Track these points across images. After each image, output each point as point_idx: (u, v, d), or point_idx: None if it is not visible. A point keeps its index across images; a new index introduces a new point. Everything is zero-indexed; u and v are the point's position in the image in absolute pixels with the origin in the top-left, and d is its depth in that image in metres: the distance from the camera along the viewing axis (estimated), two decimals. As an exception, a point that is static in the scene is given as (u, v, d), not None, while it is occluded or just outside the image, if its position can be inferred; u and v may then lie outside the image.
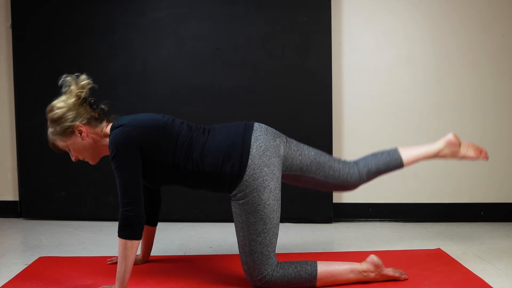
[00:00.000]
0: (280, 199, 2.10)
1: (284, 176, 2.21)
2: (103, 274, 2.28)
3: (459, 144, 2.41)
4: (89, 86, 2.10)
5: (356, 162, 2.34)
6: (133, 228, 1.95)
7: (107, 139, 2.08)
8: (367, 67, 3.36)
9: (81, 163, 2.27)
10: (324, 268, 2.09)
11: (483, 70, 3.34)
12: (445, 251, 2.63)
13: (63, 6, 3.33)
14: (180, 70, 3.32)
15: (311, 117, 3.30)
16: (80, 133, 2.07)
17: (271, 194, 2.04)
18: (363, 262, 2.15)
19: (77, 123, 2.06)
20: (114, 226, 3.18)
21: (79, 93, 2.07)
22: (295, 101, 3.30)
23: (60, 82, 2.09)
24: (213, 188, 2.10)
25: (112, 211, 3.24)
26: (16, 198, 3.47)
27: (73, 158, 2.16)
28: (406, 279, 2.18)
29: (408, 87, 3.36)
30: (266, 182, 2.03)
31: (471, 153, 2.42)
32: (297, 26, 3.28)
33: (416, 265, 2.38)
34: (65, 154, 2.22)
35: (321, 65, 3.29)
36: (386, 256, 2.45)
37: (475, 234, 3.03)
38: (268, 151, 2.06)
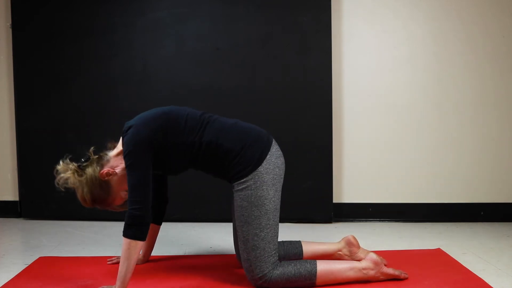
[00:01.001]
0: (279, 204, 2.12)
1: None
2: (103, 274, 2.28)
3: (357, 246, 2.33)
4: (68, 160, 2.09)
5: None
6: (138, 228, 1.96)
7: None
8: (367, 67, 3.36)
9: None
10: (324, 266, 2.09)
11: (483, 70, 3.34)
12: (445, 251, 2.63)
13: (63, 6, 3.33)
14: (180, 70, 3.32)
15: (311, 117, 3.30)
16: (109, 174, 2.09)
17: (276, 193, 2.08)
18: (363, 260, 2.16)
19: (98, 174, 2.08)
20: (114, 226, 3.20)
21: (71, 171, 2.07)
22: (295, 101, 3.30)
23: (61, 188, 2.09)
24: (222, 167, 2.09)
25: (112, 211, 3.24)
26: (16, 198, 3.47)
27: (119, 207, 2.18)
28: (406, 278, 2.18)
29: (408, 87, 3.36)
30: (275, 181, 2.08)
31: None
32: (297, 26, 3.28)
33: (416, 265, 2.38)
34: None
35: (321, 65, 3.29)
36: (386, 256, 2.46)
37: (475, 234, 3.03)
38: (281, 158, 2.16)
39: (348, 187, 3.41)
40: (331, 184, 3.33)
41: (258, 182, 2.05)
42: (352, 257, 2.33)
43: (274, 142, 2.16)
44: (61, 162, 2.10)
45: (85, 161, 2.11)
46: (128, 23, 3.31)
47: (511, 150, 3.36)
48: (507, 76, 3.34)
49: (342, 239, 2.36)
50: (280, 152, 2.16)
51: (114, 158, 2.13)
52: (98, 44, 3.33)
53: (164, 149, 2.05)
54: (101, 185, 2.08)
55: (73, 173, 2.07)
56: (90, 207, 2.13)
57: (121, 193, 2.13)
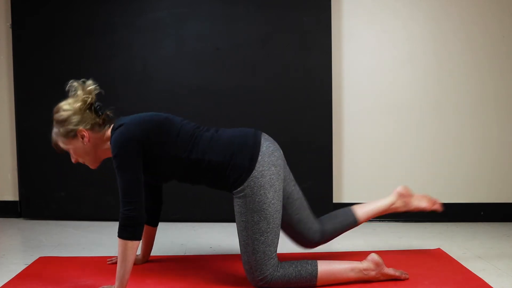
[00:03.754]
0: (282, 201, 2.11)
1: None
2: (103, 274, 2.28)
3: (411, 195, 2.44)
4: (96, 91, 2.10)
5: (321, 223, 2.35)
6: (133, 229, 1.95)
7: (109, 143, 2.09)
8: (367, 67, 3.36)
9: (81, 163, 2.26)
10: (324, 267, 2.09)
11: (483, 70, 3.34)
12: (445, 251, 2.63)
13: (63, 6, 3.33)
14: (180, 70, 3.32)
15: (311, 117, 3.30)
16: (82, 138, 2.08)
17: (276, 194, 2.06)
18: (364, 260, 2.15)
19: (81, 127, 2.06)
20: (114, 226, 3.18)
21: (85, 98, 2.08)
22: (295, 101, 3.30)
23: (67, 87, 2.10)
24: (217, 180, 2.09)
25: (112, 211, 3.24)
26: (16, 198, 3.47)
27: (73, 160, 2.17)
28: (407, 279, 2.18)
29: (408, 87, 3.36)
30: (273, 181, 2.05)
31: (423, 204, 2.46)
32: (297, 26, 3.28)
33: (416, 265, 2.38)
34: (65, 155, 2.22)
35: (321, 65, 3.29)
36: (386, 256, 2.45)
37: (475, 234, 3.03)
38: (276, 153, 2.11)
39: (348, 187, 3.41)
40: (331, 184, 3.33)
41: (255, 188, 2.02)
42: (407, 207, 2.40)
43: (263, 139, 2.11)
44: (93, 85, 2.09)
45: (96, 111, 2.09)
46: (128, 23, 3.31)
47: (511, 150, 3.36)
48: (507, 76, 3.34)
49: (394, 192, 2.42)
50: (273, 147, 2.11)
51: (101, 136, 2.11)
52: (98, 44, 3.33)
53: (151, 154, 2.04)
54: (71, 131, 2.06)
55: (83, 100, 2.06)
56: (52, 119, 2.10)
57: (67, 149, 2.12)
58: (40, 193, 3.40)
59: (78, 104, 2.07)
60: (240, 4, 3.28)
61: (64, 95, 2.04)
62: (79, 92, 2.08)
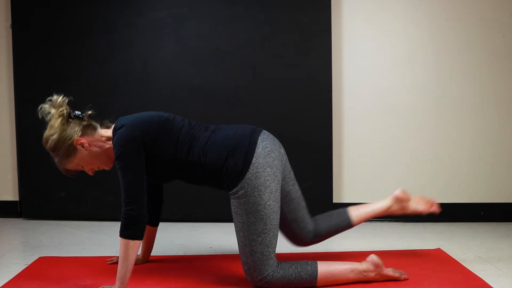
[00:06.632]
0: (280, 202, 2.11)
1: None
2: (103, 274, 2.28)
3: (408, 199, 2.40)
4: (66, 101, 2.09)
5: (315, 224, 2.34)
6: (135, 228, 1.96)
7: (111, 142, 2.09)
8: (367, 67, 3.36)
9: (99, 171, 2.25)
10: (324, 268, 2.09)
11: (483, 70, 3.34)
12: (445, 251, 2.63)
13: (63, 6, 3.33)
14: (180, 70, 3.32)
15: (311, 117, 3.30)
16: (82, 146, 2.08)
17: (271, 195, 2.04)
18: (363, 261, 2.15)
19: (75, 137, 2.06)
20: (114, 226, 3.20)
21: (60, 113, 2.07)
22: (295, 101, 3.30)
23: (39, 114, 2.09)
24: (213, 182, 2.09)
25: (112, 211, 3.24)
26: (16, 198, 3.47)
27: (90, 173, 2.17)
28: (407, 279, 2.18)
29: (408, 87, 3.36)
30: (268, 183, 2.04)
31: (421, 207, 2.42)
32: (297, 26, 3.28)
33: (416, 265, 2.38)
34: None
35: (321, 65, 3.29)
36: (386, 256, 2.45)
37: (475, 234, 3.03)
38: (273, 153, 2.08)
39: (348, 187, 3.41)
40: (331, 184, 3.33)
41: (249, 189, 2.01)
42: (404, 211, 2.37)
43: (260, 139, 2.08)
44: (60, 97, 2.08)
45: (77, 116, 2.09)
46: (128, 23, 3.31)
47: (511, 150, 3.36)
48: (507, 76, 3.34)
49: (391, 196, 2.38)
50: (270, 147, 2.08)
51: (99, 137, 2.11)
52: (98, 44, 3.33)
53: (151, 154, 2.04)
54: (69, 147, 2.06)
55: (60, 115, 2.05)
56: (46, 149, 2.10)
57: (79, 166, 2.12)
58: (40, 193, 3.40)
59: (58, 122, 2.06)
60: (240, 4, 3.28)
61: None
62: (52, 111, 2.07)
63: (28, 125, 3.36)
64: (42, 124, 3.42)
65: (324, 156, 3.31)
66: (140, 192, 1.98)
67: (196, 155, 2.06)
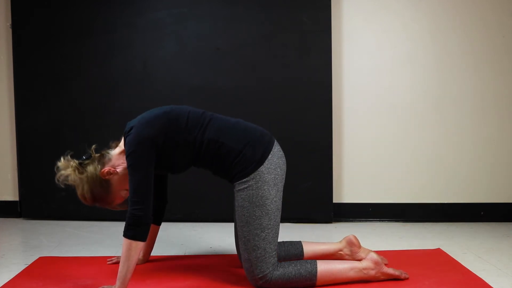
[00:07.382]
0: (281, 204, 2.12)
1: None
2: (103, 274, 2.28)
3: (359, 246, 2.34)
4: (69, 157, 2.09)
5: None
6: (139, 229, 1.96)
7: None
8: (367, 67, 3.36)
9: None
10: (324, 266, 2.09)
11: (483, 69, 3.34)
12: (445, 251, 2.63)
13: (63, 6, 3.33)
14: (180, 70, 3.32)
15: (311, 117, 3.30)
16: (110, 173, 2.08)
17: (278, 194, 2.08)
18: (363, 260, 2.16)
19: (98, 172, 2.07)
20: (114, 226, 3.20)
21: (72, 168, 2.06)
22: (295, 101, 3.30)
23: (62, 185, 2.07)
24: (225, 165, 2.08)
25: (112, 211, 3.23)
26: (16, 198, 3.47)
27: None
28: (407, 278, 2.18)
29: (408, 87, 3.36)
30: (277, 181, 2.07)
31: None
32: (297, 26, 3.28)
33: (416, 265, 2.38)
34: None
35: (321, 65, 3.29)
36: (386, 256, 2.46)
37: (475, 234, 3.03)
38: (283, 159, 2.15)
39: (348, 187, 3.41)
40: (331, 184, 3.33)
41: (260, 182, 2.04)
42: (353, 257, 2.33)
43: (276, 143, 2.15)
44: (62, 159, 2.09)
45: (86, 158, 2.10)
46: (128, 23, 3.31)
47: (511, 150, 3.36)
48: (507, 76, 3.34)
49: (343, 239, 2.36)
50: (282, 153, 2.15)
51: (116, 157, 2.12)
52: (98, 44, 3.33)
53: (166, 149, 2.05)
54: (102, 183, 2.08)
55: (74, 170, 2.06)
56: (90, 205, 2.13)
57: (122, 192, 2.13)
58: (40, 193, 3.39)
59: (76, 176, 2.06)
60: (240, 4, 3.28)
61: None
62: (67, 172, 2.06)
63: (28, 125, 3.37)
64: (42, 124, 3.43)
65: (324, 156, 3.31)
66: (147, 193, 1.98)
67: (214, 132, 2.07)
